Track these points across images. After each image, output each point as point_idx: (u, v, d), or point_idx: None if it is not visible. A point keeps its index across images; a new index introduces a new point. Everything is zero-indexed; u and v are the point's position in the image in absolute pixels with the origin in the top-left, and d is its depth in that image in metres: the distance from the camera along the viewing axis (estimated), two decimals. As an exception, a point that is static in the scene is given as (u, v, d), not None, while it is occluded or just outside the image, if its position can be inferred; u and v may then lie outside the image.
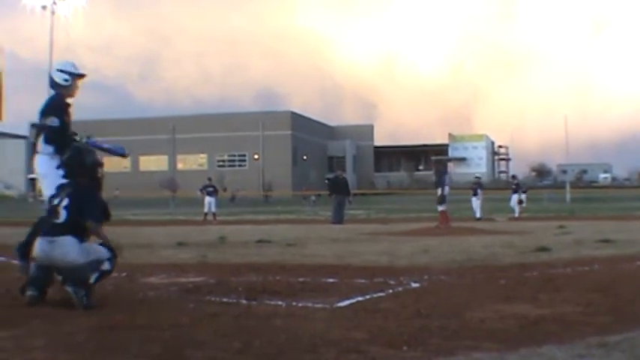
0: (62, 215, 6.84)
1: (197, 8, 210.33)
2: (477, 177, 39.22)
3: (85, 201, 6.98)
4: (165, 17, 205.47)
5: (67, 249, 6.68)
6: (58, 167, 7.59)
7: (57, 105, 8.12)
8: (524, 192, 36.58)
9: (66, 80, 8.19)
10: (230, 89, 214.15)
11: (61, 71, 8.25)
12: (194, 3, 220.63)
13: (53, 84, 8.20)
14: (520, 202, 35.97)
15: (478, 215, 33.10)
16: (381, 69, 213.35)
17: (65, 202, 6.89)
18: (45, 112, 8.03)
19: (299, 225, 28.48)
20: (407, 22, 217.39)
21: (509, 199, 37.26)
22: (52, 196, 7.13)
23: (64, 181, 7.31)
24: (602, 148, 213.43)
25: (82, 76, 8.39)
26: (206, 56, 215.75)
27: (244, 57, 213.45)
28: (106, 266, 6.88)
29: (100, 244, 7.06)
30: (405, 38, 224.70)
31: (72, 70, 8.27)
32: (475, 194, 34.64)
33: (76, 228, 6.80)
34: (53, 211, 6.91)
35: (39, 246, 6.81)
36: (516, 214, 34.72)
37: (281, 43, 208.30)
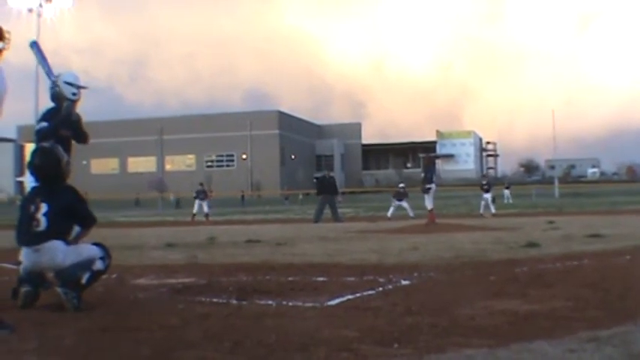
0: (42, 223, 6.63)
1: (186, 10, 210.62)
2: (401, 186, 39.15)
3: (72, 204, 6.88)
4: (154, 19, 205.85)
5: (54, 253, 6.61)
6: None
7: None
8: (487, 190, 36.58)
9: (74, 94, 7.87)
10: (219, 90, 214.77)
11: (70, 84, 7.89)
12: (183, 5, 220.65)
13: (58, 97, 7.82)
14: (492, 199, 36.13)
15: (412, 215, 33.40)
16: (370, 68, 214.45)
17: (44, 208, 6.68)
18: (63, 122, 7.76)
19: (288, 224, 28.51)
20: (396, 21, 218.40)
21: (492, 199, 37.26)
22: (26, 203, 6.88)
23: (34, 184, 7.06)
24: (590, 143, 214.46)
25: (85, 88, 8.06)
26: (195, 58, 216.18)
27: (233, 58, 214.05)
28: (98, 266, 6.80)
29: (93, 244, 7.02)
30: (393, 37, 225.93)
31: (79, 82, 7.92)
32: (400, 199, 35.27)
33: (59, 232, 6.71)
34: (31, 219, 6.68)
35: (25, 256, 6.72)
36: (493, 211, 34.82)
37: (270, 44, 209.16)
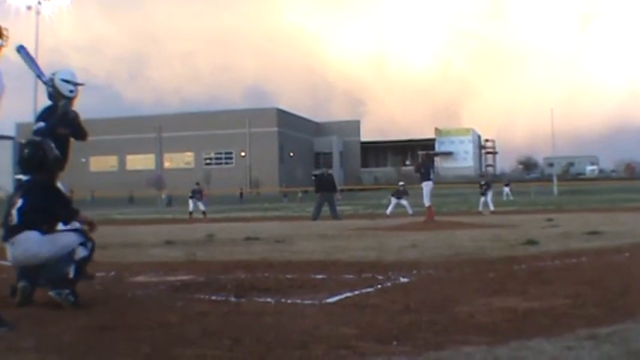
0: (15, 218, 6.59)
1: (185, 8, 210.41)
2: (401, 184, 38.64)
3: (49, 204, 6.81)
4: (153, 17, 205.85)
5: (28, 244, 6.51)
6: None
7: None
8: (484, 190, 36.40)
9: (71, 92, 7.88)
10: (219, 88, 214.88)
11: (66, 81, 7.91)
12: (182, 2, 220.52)
13: (55, 95, 7.86)
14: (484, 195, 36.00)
15: (411, 212, 33.15)
16: (369, 66, 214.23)
17: (19, 203, 6.63)
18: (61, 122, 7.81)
19: (286, 222, 28.51)
20: (396, 19, 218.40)
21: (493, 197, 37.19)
22: (9, 199, 6.85)
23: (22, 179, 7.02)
24: (589, 141, 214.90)
25: (81, 84, 8.10)
26: (195, 55, 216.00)
27: (233, 56, 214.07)
28: (80, 254, 6.65)
29: (70, 230, 6.92)
30: (393, 35, 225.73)
31: (76, 79, 7.95)
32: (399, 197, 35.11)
33: (33, 224, 6.59)
34: (8, 214, 6.65)
35: (8, 251, 6.70)
36: (492, 208, 34.69)
37: (270, 42, 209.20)
